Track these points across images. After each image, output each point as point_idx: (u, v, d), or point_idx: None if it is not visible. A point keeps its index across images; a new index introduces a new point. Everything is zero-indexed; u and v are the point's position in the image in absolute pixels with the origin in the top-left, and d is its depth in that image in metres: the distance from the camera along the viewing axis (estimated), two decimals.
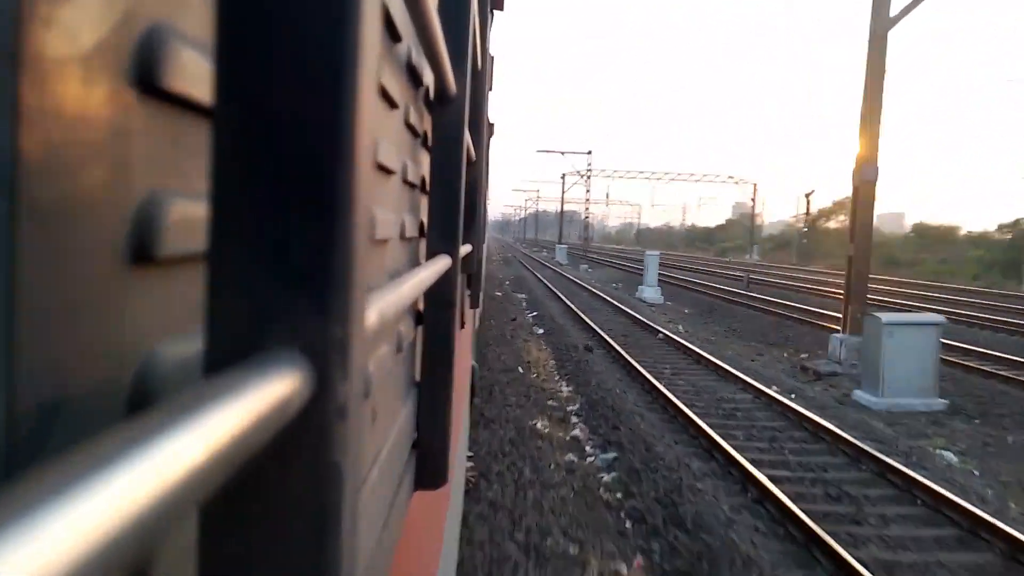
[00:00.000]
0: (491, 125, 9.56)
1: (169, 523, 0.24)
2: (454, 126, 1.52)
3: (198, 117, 0.57)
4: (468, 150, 1.98)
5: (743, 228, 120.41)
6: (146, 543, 0.23)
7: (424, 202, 1.84)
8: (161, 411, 0.27)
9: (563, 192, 80.00)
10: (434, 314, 1.53)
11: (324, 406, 0.40)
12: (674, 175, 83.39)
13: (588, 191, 71.17)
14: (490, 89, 5.28)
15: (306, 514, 0.40)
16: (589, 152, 72.46)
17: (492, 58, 5.66)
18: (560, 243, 69.64)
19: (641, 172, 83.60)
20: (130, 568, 0.22)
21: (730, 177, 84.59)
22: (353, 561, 0.45)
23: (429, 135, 1.67)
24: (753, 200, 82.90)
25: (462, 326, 3.03)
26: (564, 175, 78.76)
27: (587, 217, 71.47)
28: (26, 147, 0.38)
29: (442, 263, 1.37)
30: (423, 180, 1.82)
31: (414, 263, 1.75)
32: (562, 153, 72.10)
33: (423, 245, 1.83)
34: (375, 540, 1.08)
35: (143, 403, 0.51)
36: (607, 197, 75.47)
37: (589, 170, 70.71)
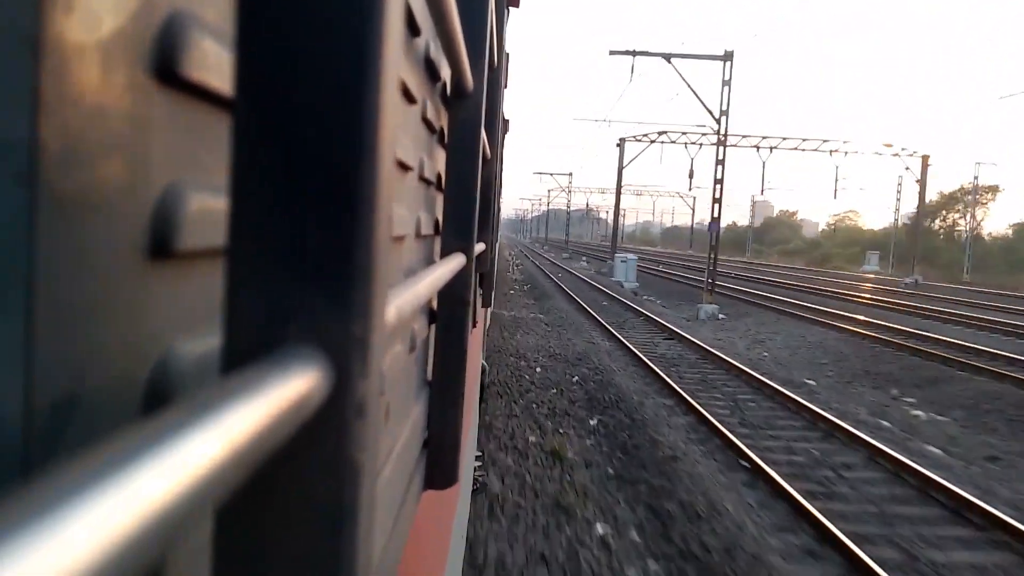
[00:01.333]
0: (506, 121, 9.56)
1: (187, 521, 0.24)
2: (470, 123, 1.51)
3: (218, 108, 0.56)
4: (484, 148, 1.97)
5: (788, 228, 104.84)
6: (164, 542, 0.22)
7: (439, 199, 1.83)
8: (179, 409, 0.27)
9: (621, 166, 46.22)
10: (448, 313, 1.53)
11: (343, 404, 0.40)
12: (798, 142, 45.30)
13: (723, 136, 25.88)
14: (505, 86, 5.28)
15: (322, 512, 0.40)
16: (727, 57, 24.98)
17: (508, 55, 5.66)
18: (621, 252, 41.26)
19: (745, 136, 44.82)
20: (148, 566, 0.21)
21: (886, 145, 45.74)
22: (368, 559, 0.44)
23: (445, 131, 1.67)
24: (922, 180, 47.75)
25: (474, 325, 3.03)
26: (623, 140, 46.35)
27: (718, 202, 25.18)
28: (45, 137, 0.37)
29: (456, 261, 1.36)
30: (439, 177, 1.81)
31: (429, 261, 1.74)
32: (669, 59, 26.68)
33: (438, 243, 1.83)
34: (386, 538, 1.08)
35: (161, 400, 0.50)
36: (692, 178, 40.73)
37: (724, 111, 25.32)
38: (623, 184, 48.85)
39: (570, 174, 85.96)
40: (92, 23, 0.41)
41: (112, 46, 0.43)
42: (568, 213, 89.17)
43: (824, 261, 73.83)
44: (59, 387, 0.40)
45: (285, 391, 0.33)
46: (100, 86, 0.42)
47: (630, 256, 37.69)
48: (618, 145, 47.55)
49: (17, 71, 0.36)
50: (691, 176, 43.48)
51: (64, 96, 0.38)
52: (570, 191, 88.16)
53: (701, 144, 45.01)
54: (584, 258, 63.96)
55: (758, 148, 46.28)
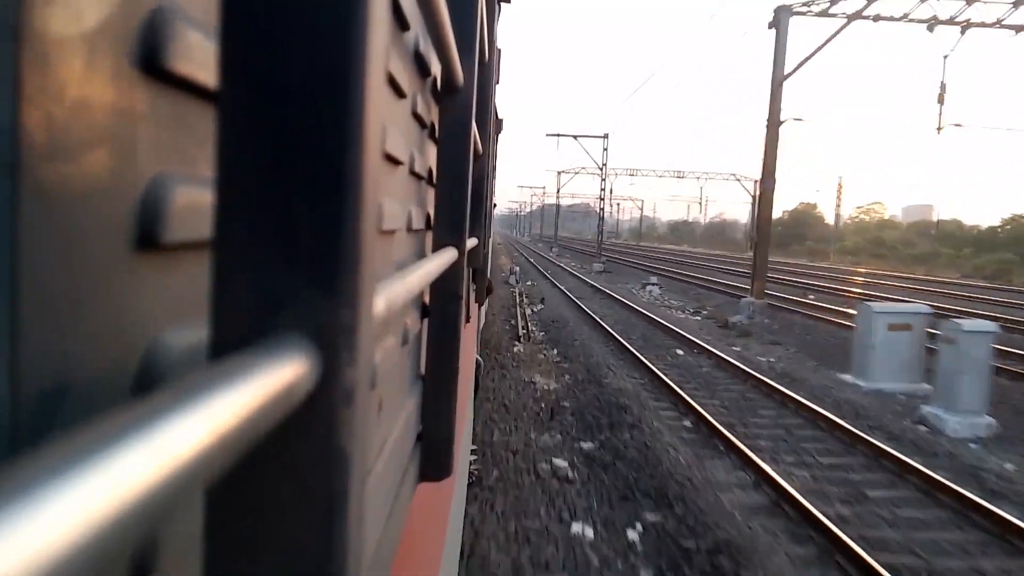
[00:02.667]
0: (499, 120, 9.52)
1: (173, 505, 0.24)
2: (461, 118, 1.51)
3: (203, 101, 0.56)
4: (475, 143, 1.97)
5: (815, 221, 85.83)
6: (148, 524, 0.22)
7: (431, 194, 1.83)
8: (166, 393, 0.27)
9: (781, 74, 20.86)
10: (440, 307, 1.53)
11: (331, 391, 0.40)
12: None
13: None
14: (497, 82, 5.27)
15: (313, 500, 0.40)
16: None
17: (499, 51, 5.65)
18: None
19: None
20: (134, 548, 0.22)
21: None
22: (359, 548, 0.44)
23: (436, 126, 1.67)
24: None
25: (467, 321, 3.03)
26: (783, 8, 20.40)
27: None
28: (28, 128, 0.37)
29: (448, 255, 1.37)
30: (430, 172, 1.82)
31: (420, 256, 1.75)
32: None
33: (429, 238, 1.83)
34: (380, 530, 1.08)
35: (148, 392, 0.51)
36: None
37: None
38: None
39: (605, 136, 50.37)
40: (75, 14, 0.41)
41: (96, 37, 0.43)
42: (601, 214, 52.37)
43: (1003, 274, 49.18)
44: (45, 380, 0.41)
45: (272, 378, 0.33)
46: (84, 77, 0.42)
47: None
48: (771, 26, 21.94)
49: None
50: (941, 99, 19.69)
51: (47, 87, 0.39)
52: (605, 169, 50.18)
53: (968, 22, 20.30)
54: (653, 279, 32.82)
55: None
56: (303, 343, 0.38)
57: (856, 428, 9.31)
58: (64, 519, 0.18)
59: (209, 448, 0.26)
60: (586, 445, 8.58)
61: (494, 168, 6.82)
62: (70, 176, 0.41)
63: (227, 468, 0.31)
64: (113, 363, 0.48)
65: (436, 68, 1.71)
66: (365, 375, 0.44)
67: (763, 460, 8.06)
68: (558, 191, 76.11)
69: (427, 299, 1.60)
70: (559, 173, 72.74)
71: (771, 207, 22.68)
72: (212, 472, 0.28)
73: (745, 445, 8.56)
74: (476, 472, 7.30)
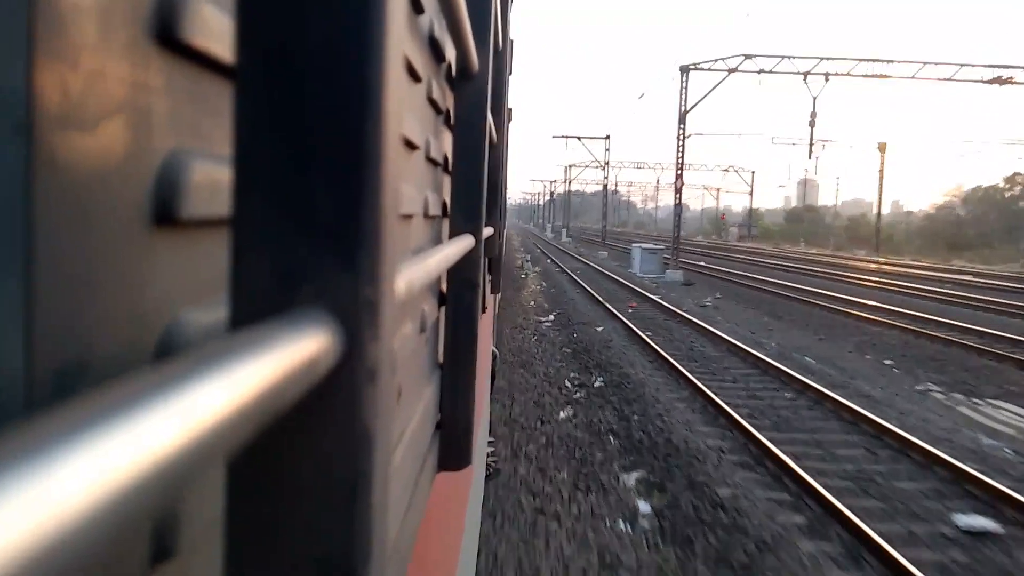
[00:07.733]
0: (509, 110, 9.53)
1: (192, 474, 0.23)
2: (477, 104, 1.50)
3: (220, 76, 0.55)
4: (491, 130, 1.96)
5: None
6: (168, 492, 0.21)
7: (446, 181, 1.83)
8: (186, 359, 0.26)
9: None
10: (457, 295, 1.52)
11: (355, 368, 0.39)
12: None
13: None
14: (510, 72, 5.26)
15: (337, 479, 0.39)
16: None
17: (512, 41, 5.64)
18: None
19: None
20: (153, 521, 0.21)
21: None
22: (383, 533, 0.44)
23: (451, 113, 1.66)
24: None
25: (483, 310, 3.02)
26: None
27: None
28: (42, 92, 0.37)
29: (465, 242, 1.36)
30: (445, 158, 1.81)
31: (437, 242, 1.74)
32: None
33: (446, 225, 1.82)
34: (401, 518, 1.08)
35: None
36: None
37: None
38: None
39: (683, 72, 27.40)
40: None
41: (111, 6, 0.42)
42: (674, 207, 29.62)
43: None
44: (60, 359, 0.40)
45: (295, 350, 0.32)
46: (98, 47, 0.41)
47: None
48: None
49: (10, 25, 0.35)
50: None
51: (61, 53, 0.38)
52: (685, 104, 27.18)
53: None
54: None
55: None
56: (325, 317, 0.38)
57: None
58: (79, 483, 0.17)
59: (230, 416, 0.26)
60: None
61: (507, 157, 6.81)
62: (84, 146, 0.41)
63: (249, 441, 0.30)
64: (130, 341, 0.47)
65: (451, 54, 1.70)
66: (388, 354, 0.43)
67: None
68: (604, 172, 58.57)
69: (444, 287, 1.60)
70: (608, 141, 56.98)
71: None
72: (233, 442, 0.27)
73: None
74: (493, 464, 7.32)
